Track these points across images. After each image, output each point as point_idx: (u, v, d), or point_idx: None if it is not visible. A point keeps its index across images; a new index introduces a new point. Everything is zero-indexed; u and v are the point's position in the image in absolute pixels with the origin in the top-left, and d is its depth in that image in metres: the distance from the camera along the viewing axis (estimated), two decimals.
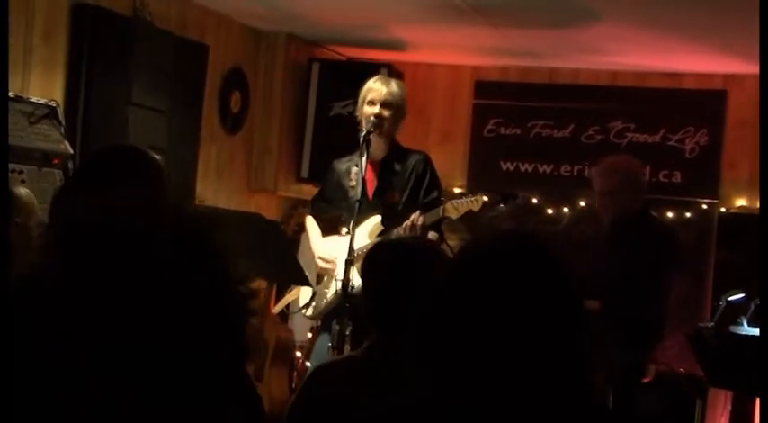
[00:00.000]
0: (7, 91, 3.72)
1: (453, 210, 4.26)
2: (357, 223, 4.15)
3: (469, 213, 4.31)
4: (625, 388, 4.44)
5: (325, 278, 4.47)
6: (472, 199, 4.28)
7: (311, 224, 4.61)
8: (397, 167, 4.44)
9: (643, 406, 4.88)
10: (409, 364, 1.39)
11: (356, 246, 4.17)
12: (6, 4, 3.49)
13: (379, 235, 4.32)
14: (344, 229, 4.39)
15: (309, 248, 4.57)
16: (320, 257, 4.44)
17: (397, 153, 4.48)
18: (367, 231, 4.31)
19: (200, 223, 0.98)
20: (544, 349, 1.34)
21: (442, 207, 4.29)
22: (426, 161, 4.50)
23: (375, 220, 4.35)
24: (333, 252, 4.42)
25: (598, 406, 1.53)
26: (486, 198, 4.31)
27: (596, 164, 4.83)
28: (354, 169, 4.41)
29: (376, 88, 4.32)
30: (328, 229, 4.57)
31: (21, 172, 3.85)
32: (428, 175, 4.47)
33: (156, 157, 1.98)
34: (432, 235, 4.29)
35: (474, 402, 1.35)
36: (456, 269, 1.42)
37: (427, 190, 4.44)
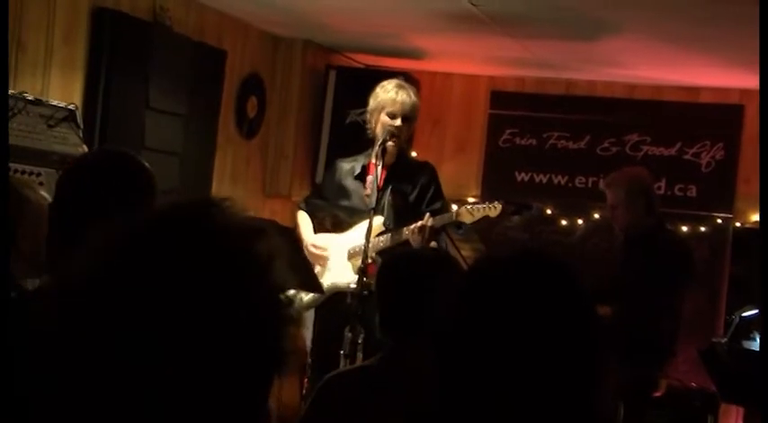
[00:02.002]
0: (7, 92, 3.74)
1: (468, 214, 4.24)
2: (369, 231, 4.15)
3: (486, 219, 4.29)
4: (636, 402, 4.43)
5: (318, 269, 4.46)
6: (489, 205, 4.26)
7: (304, 219, 4.61)
8: (404, 174, 4.46)
9: (654, 420, 4.87)
10: (427, 377, 1.40)
11: (354, 243, 4.20)
12: (6, 5, 3.50)
13: (380, 235, 4.31)
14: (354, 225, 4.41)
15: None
16: (313, 244, 4.46)
17: (404, 160, 4.52)
18: (365, 231, 4.27)
19: (246, 230, 0.97)
20: (557, 368, 1.34)
21: (455, 210, 4.28)
22: (432, 171, 4.55)
23: (377, 221, 4.33)
24: (322, 243, 4.45)
25: (608, 420, 1.53)
26: (502, 205, 4.28)
27: (605, 177, 4.86)
28: (369, 177, 4.42)
29: (399, 101, 4.32)
30: (319, 228, 4.59)
31: (39, 174, 3.87)
32: (433, 185, 4.49)
33: (146, 163, 1.94)
34: (432, 244, 4.27)
35: (484, 415, 1.35)
36: (470, 288, 1.42)
37: (431, 199, 4.46)
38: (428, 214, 4.23)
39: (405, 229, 4.26)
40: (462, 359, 1.36)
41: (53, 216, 1.88)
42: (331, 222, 4.55)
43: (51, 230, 1.88)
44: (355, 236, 4.34)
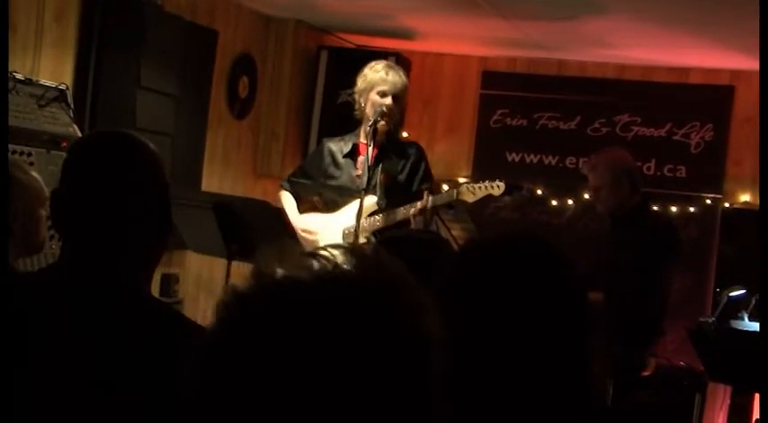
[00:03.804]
0: (7, 84, 3.73)
1: (469, 193, 4.20)
2: (360, 211, 4.15)
3: (488, 198, 4.26)
4: (625, 381, 4.47)
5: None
6: (491, 184, 4.21)
7: (287, 200, 4.60)
8: (394, 154, 4.46)
9: (642, 399, 4.91)
10: None
11: (348, 223, 4.18)
12: (6, 2, 3.49)
13: (373, 214, 4.30)
14: (346, 207, 4.41)
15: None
16: (303, 229, 4.46)
17: (394, 140, 4.53)
18: (357, 211, 4.26)
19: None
20: (546, 348, 1.36)
21: (455, 190, 4.27)
22: (422, 151, 4.55)
23: (370, 200, 4.32)
24: (313, 227, 4.46)
25: (597, 399, 1.56)
26: (505, 184, 4.23)
27: (587, 160, 4.85)
28: (360, 157, 4.43)
29: (390, 80, 4.32)
30: (305, 208, 4.59)
31: (29, 154, 3.87)
32: (422, 165, 4.49)
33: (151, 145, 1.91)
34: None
35: (474, 397, 1.37)
36: (459, 272, 1.43)
37: (421, 179, 4.47)
38: (427, 193, 4.21)
39: (401, 208, 4.26)
40: (455, 343, 1.38)
41: (62, 201, 1.84)
42: (319, 201, 4.55)
43: (62, 215, 1.85)
44: (347, 216, 4.35)
